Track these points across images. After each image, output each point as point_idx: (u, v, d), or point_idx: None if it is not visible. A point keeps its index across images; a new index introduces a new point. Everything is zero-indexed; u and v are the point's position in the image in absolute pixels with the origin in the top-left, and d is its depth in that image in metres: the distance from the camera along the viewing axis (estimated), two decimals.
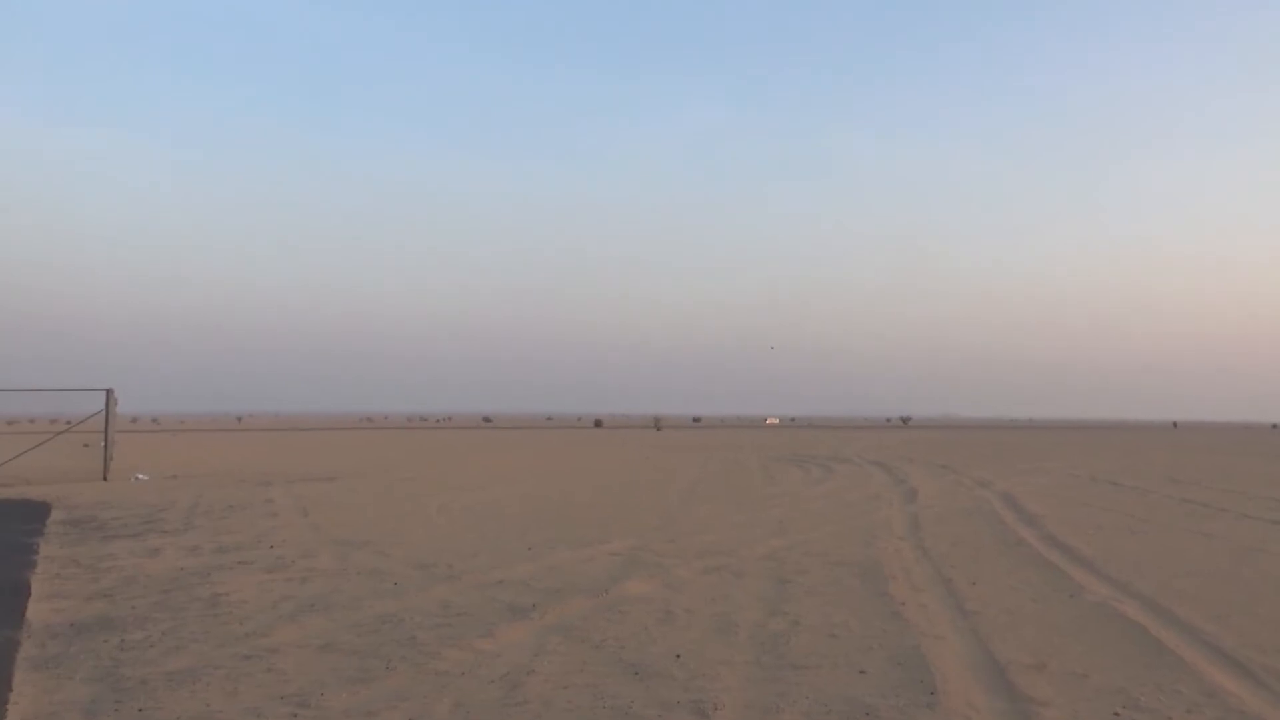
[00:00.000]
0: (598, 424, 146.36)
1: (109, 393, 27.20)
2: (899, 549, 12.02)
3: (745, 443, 59.82)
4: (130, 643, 7.29)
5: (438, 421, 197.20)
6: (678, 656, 6.77)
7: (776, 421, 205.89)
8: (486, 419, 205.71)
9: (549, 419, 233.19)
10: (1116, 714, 5.50)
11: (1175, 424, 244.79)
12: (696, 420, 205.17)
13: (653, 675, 6.30)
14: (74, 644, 7.29)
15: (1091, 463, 34.03)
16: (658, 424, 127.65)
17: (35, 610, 8.60)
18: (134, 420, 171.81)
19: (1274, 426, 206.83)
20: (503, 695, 5.87)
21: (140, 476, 26.61)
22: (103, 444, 27.08)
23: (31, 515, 16.99)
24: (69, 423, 29.83)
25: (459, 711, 5.55)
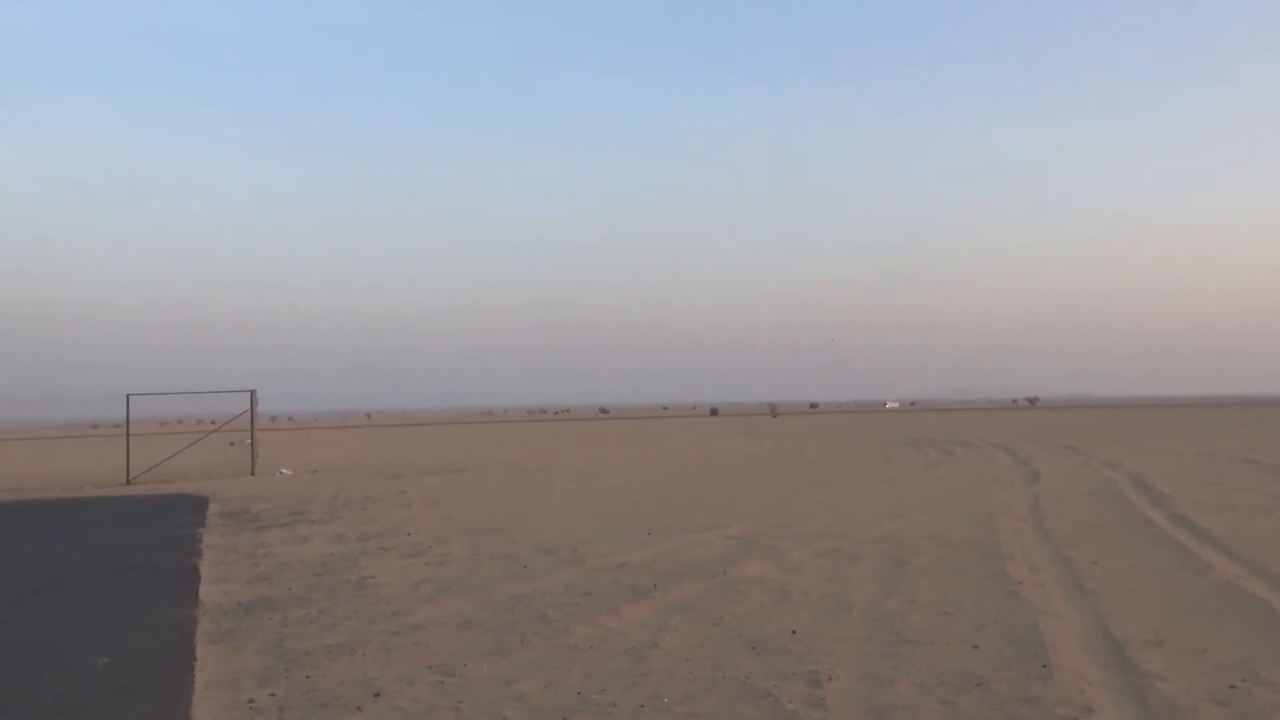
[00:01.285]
0: (713, 412, 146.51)
1: (252, 394, 29.02)
2: (1018, 530, 11.96)
3: (863, 428, 59.14)
4: (292, 620, 8.04)
5: (556, 414, 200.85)
6: (793, 633, 7.06)
7: (896, 406, 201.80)
8: (603, 410, 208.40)
9: (665, 408, 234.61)
10: (1234, 687, 5.54)
11: None
12: (813, 407, 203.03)
13: (769, 650, 6.62)
14: (243, 621, 8.09)
15: (1229, 440, 32.44)
16: (774, 411, 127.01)
17: (207, 591, 9.52)
18: (272, 419, 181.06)
19: None
20: (629, 666, 6.30)
21: (284, 472, 28.34)
22: (248, 442, 28.93)
23: (193, 509, 18.44)
24: (214, 423, 31.87)
25: (589, 680, 6.00)
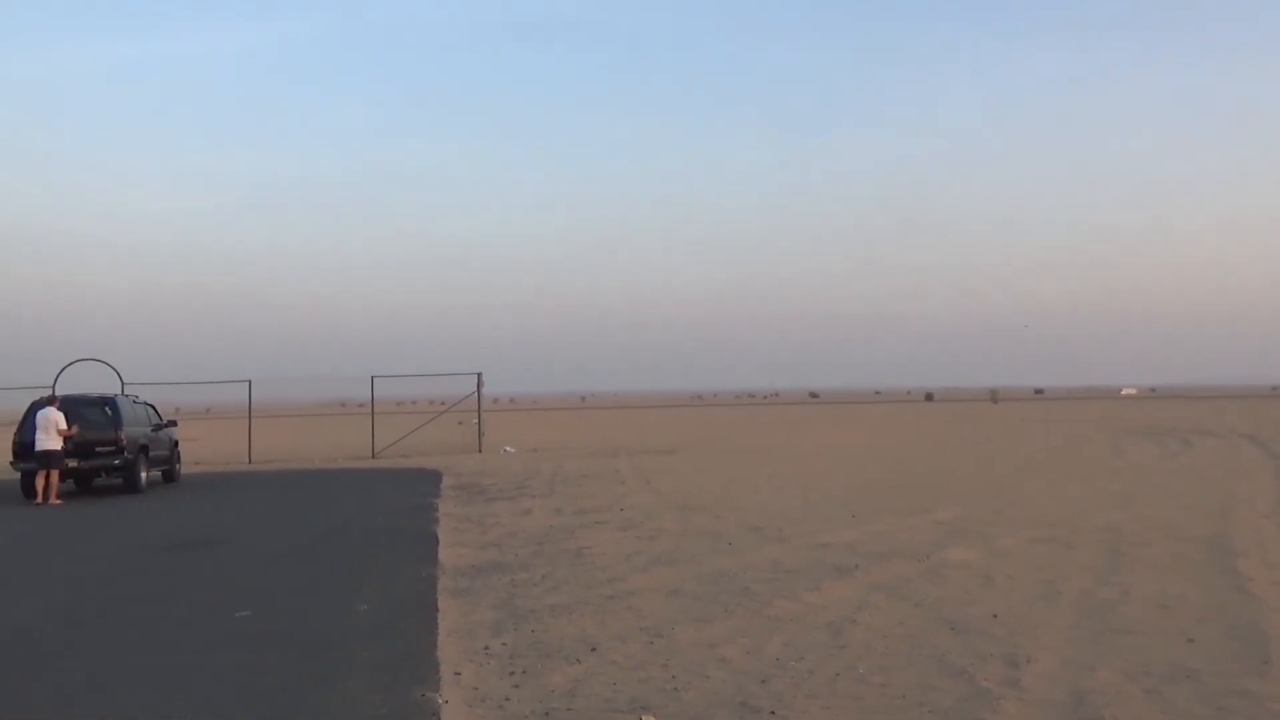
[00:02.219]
0: (929, 398, 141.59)
1: (479, 377, 31.11)
2: (1259, 526, 11.16)
3: (1093, 415, 55.55)
4: (518, 581, 8.86)
5: (765, 398, 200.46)
6: (994, 616, 7.08)
7: (1134, 392, 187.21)
8: (813, 394, 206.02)
9: (877, 393, 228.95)
10: None
11: None
12: (1039, 392, 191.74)
13: (969, 631, 6.70)
14: (476, 580, 8.99)
15: None
16: (994, 397, 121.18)
17: (445, 554, 10.59)
18: (495, 400, 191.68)
19: None
20: (828, 639, 6.58)
21: (508, 449, 30.26)
22: (475, 421, 31.07)
23: (429, 481, 20.19)
24: (444, 403, 34.34)
25: (789, 649, 6.33)
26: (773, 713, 5.09)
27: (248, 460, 27.75)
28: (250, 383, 29.31)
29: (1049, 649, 6.21)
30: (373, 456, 28.62)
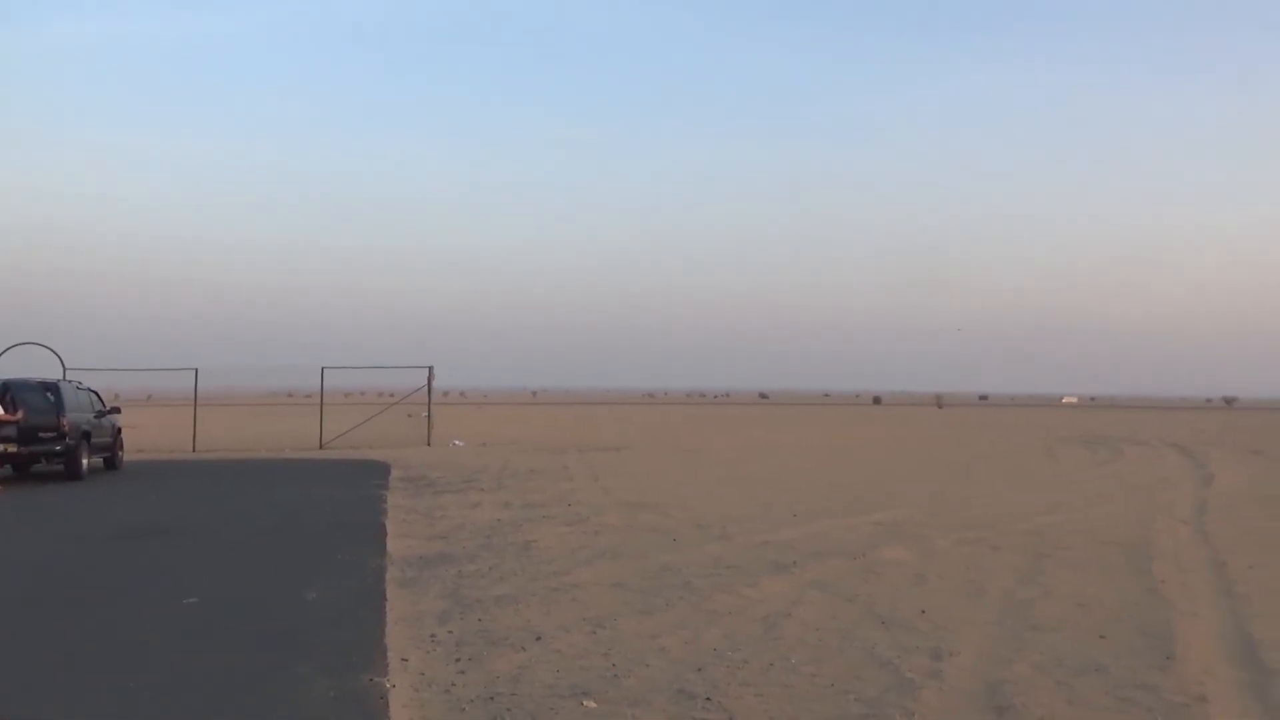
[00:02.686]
0: (876, 401, 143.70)
1: (430, 370, 31.07)
2: (1176, 531, 11.72)
3: (1034, 422, 56.97)
4: (466, 573, 9.04)
5: (716, 398, 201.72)
6: (923, 612, 7.44)
7: (1075, 401, 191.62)
8: (763, 395, 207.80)
9: (826, 396, 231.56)
10: None
11: None
12: (983, 399, 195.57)
13: (898, 626, 7.04)
14: (424, 571, 9.15)
15: None
16: (939, 402, 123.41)
17: (393, 545, 10.72)
18: (445, 393, 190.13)
19: None
20: (763, 632, 6.87)
21: (457, 443, 30.29)
22: (425, 415, 31.04)
23: (378, 473, 20.20)
24: (394, 396, 34.23)
25: (726, 640, 6.61)
26: (708, 699, 5.35)
27: (191, 449, 27.46)
28: (196, 370, 28.99)
29: (971, 643, 6.57)
30: (320, 448, 28.47)
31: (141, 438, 29.54)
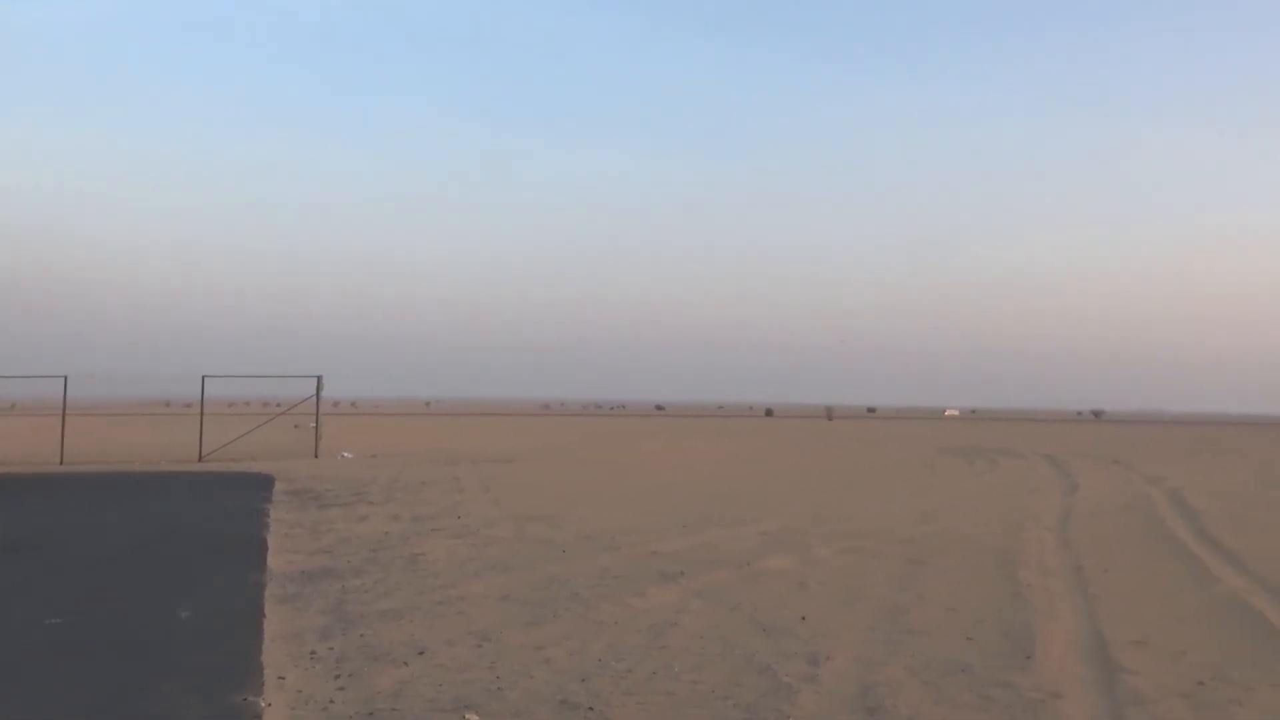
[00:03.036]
0: (768, 413, 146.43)
1: (318, 380, 30.29)
2: (1042, 538, 12.35)
3: (917, 435, 58.97)
4: (350, 588, 8.87)
5: (612, 409, 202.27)
6: (803, 619, 7.66)
7: (956, 413, 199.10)
8: (659, 407, 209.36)
9: (720, 408, 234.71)
10: (1201, 683, 6.01)
11: None
12: (871, 411, 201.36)
13: (778, 633, 7.24)
14: (306, 587, 8.94)
15: None
16: (829, 414, 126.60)
17: (274, 560, 10.43)
18: (335, 404, 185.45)
19: None
20: (648, 641, 6.97)
21: (346, 455, 29.58)
22: (313, 425, 30.22)
23: (260, 486, 19.57)
24: (279, 405, 33.25)
25: (611, 650, 6.68)
26: (590, 708, 5.41)
27: (59, 461, 26.06)
28: (65, 378, 27.56)
29: (847, 647, 6.81)
30: (200, 460, 27.40)
31: (2, 449, 27.89)
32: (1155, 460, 30.84)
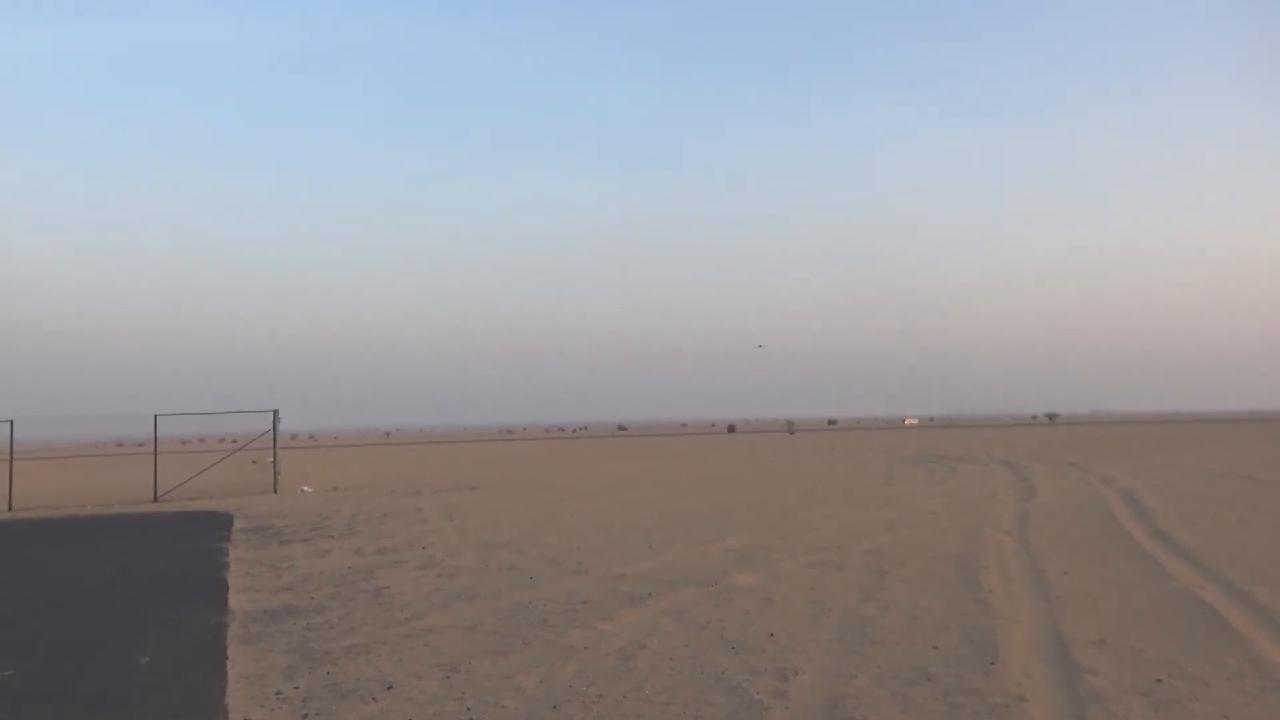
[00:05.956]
0: (731, 429, 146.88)
1: (275, 414, 29.88)
2: (1000, 543, 12.54)
3: (878, 445, 59.51)
4: (314, 625, 8.76)
5: (574, 431, 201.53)
6: (771, 635, 7.71)
7: (915, 422, 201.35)
8: (622, 427, 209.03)
9: (683, 425, 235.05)
10: (1159, 680, 6.15)
11: None
12: (832, 423, 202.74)
13: (747, 650, 7.28)
14: (269, 625, 8.81)
15: (1238, 456, 32.75)
16: (791, 428, 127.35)
17: (235, 600, 10.26)
18: (293, 437, 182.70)
19: None
20: (618, 665, 6.97)
21: (306, 489, 29.17)
22: (270, 460, 29.78)
23: (218, 524, 19.24)
24: (235, 441, 32.72)
25: (580, 675, 6.67)
26: None
27: (8, 507, 25.41)
28: (12, 422, 26.90)
29: (814, 661, 6.86)
30: (155, 500, 26.87)
31: None
32: (1108, 461, 31.44)
